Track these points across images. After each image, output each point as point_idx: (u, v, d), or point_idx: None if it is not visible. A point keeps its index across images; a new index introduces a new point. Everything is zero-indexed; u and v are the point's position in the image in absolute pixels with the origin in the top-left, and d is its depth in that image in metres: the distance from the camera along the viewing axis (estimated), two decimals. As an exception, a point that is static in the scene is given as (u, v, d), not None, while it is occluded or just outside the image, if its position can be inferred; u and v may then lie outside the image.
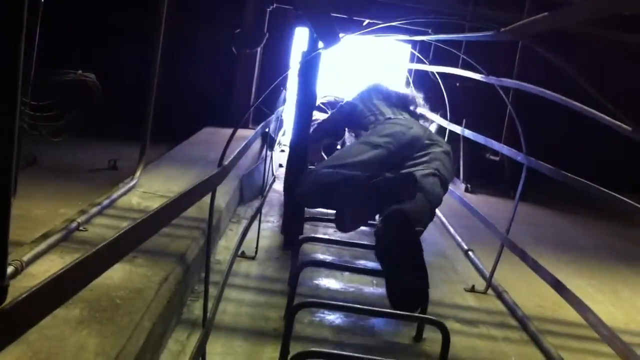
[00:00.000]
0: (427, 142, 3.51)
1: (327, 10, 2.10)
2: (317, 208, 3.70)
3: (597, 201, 2.86)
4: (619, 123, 2.28)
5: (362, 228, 3.40)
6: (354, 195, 3.05)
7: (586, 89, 2.25)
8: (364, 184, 3.01)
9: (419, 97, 4.23)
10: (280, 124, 6.21)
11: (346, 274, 3.35)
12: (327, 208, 3.58)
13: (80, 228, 2.77)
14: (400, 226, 2.79)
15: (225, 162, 1.87)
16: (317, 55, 3.49)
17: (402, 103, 4.04)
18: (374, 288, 3.26)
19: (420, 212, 3.01)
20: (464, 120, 5.62)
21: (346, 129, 4.39)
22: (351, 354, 2.06)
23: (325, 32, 2.48)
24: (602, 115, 2.43)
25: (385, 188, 2.97)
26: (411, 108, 4.07)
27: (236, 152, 2.11)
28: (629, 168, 6.81)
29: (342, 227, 3.15)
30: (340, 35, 2.82)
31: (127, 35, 6.44)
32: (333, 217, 3.20)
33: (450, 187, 5.60)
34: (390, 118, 3.76)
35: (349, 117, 4.09)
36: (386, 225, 2.82)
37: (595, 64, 6.82)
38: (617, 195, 2.54)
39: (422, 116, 4.22)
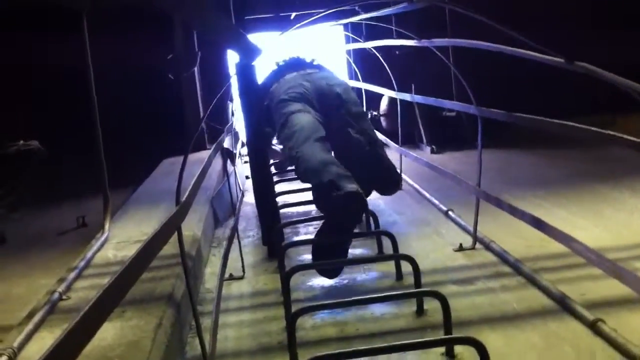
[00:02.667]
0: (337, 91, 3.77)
1: (234, 32, 2.09)
2: None
3: (558, 133, 2.91)
4: (553, 58, 2.33)
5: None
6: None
7: (511, 35, 2.29)
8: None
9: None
10: (236, 136, 6.18)
11: (336, 267, 3.35)
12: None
13: (63, 297, 2.73)
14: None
15: (183, 198, 1.86)
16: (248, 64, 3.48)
17: (299, 64, 4.09)
18: (366, 274, 3.28)
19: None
20: (412, 85, 5.64)
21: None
22: (356, 348, 2.07)
23: (242, 49, 2.47)
24: (537, 54, 2.48)
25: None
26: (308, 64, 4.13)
27: (192, 184, 2.10)
28: (571, 95, 6.85)
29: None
30: (266, 41, 2.82)
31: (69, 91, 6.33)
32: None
33: (416, 152, 5.68)
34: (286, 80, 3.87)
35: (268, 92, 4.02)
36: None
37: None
38: (567, 122, 2.59)
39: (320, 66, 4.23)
